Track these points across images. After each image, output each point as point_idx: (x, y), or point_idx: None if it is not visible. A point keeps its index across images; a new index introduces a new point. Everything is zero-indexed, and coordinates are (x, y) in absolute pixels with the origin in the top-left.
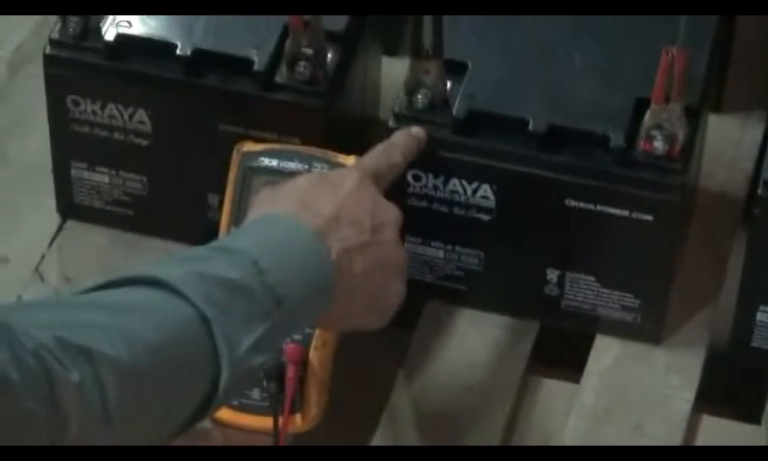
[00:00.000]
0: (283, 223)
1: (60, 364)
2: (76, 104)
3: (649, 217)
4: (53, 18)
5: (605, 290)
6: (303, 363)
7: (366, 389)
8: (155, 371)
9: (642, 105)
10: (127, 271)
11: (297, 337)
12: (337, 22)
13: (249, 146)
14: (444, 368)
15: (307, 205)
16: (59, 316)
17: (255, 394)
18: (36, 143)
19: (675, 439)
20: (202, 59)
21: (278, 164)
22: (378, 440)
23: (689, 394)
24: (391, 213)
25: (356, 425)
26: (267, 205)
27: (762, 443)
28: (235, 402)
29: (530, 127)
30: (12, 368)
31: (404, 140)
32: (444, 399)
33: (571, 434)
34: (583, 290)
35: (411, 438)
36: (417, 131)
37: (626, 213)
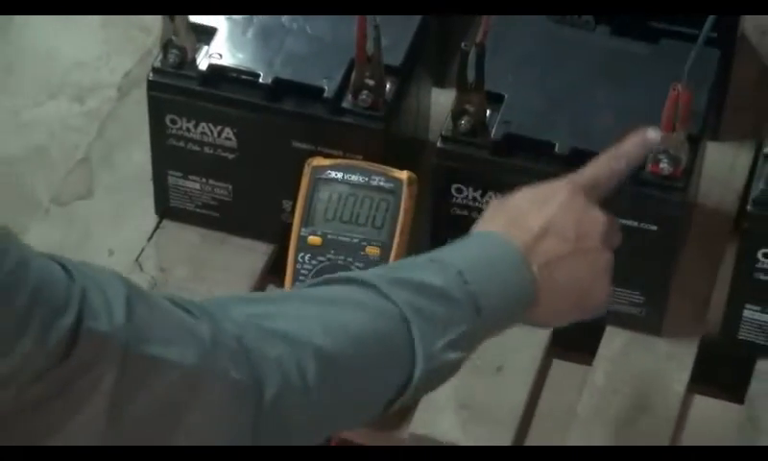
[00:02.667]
0: (493, 240)
1: (260, 345)
2: (173, 122)
3: (654, 227)
4: (156, 50)
5: (615, 288)
6: None
7: None
8: (354, 360)
9: None
10: (342, 273)
11: None
12: (395, 58)
13: (318, 161)
14: (478, 351)
15: (517, 222)
16: (262, 308)
17: None
18: (139, 155)
19: (671, 415)
20: (280, 86)
21: (343, 176)
22: (417, 415)
23: (684, 377)
24: (596, 222)
25: None
26: (486, 221)
27: (744, 420)
28: None
29: (556, 149)
30: (216, 347)
31: (633, 148)
32: (478, 377)
33: (584, 409)
34: None
35: (448, 412)
36: (652, 133)
37: (635, 224)
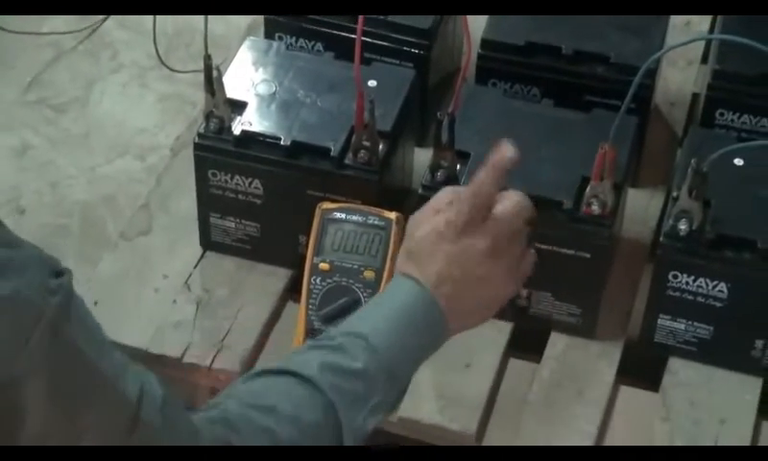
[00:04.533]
0: (404, 288)
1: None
2: (214, 175)
3: (588, 255)
4: (200, 119)
5: (557, 302)
6: None
7: None
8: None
9: (585, 181)
10: (282, 363)
11: None
12: (386, 124)
13: (327, 205)
14: (449, 352)
15: (421, 261)
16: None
17: None
18: (188, 201)
19: (603, 401)
20: (297, 147)
21: (346, 217)
22: (404, 402)
23: (612, 371)
24: (480, 243)
25: None
26: (401, 266)
27: (659, 405)
28: None
29: None
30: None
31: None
32: (452, 372)
33: (533, 397)
34: (543, 302)
35: (429, 400)
36: (509, 150)
37: (572, 252)
